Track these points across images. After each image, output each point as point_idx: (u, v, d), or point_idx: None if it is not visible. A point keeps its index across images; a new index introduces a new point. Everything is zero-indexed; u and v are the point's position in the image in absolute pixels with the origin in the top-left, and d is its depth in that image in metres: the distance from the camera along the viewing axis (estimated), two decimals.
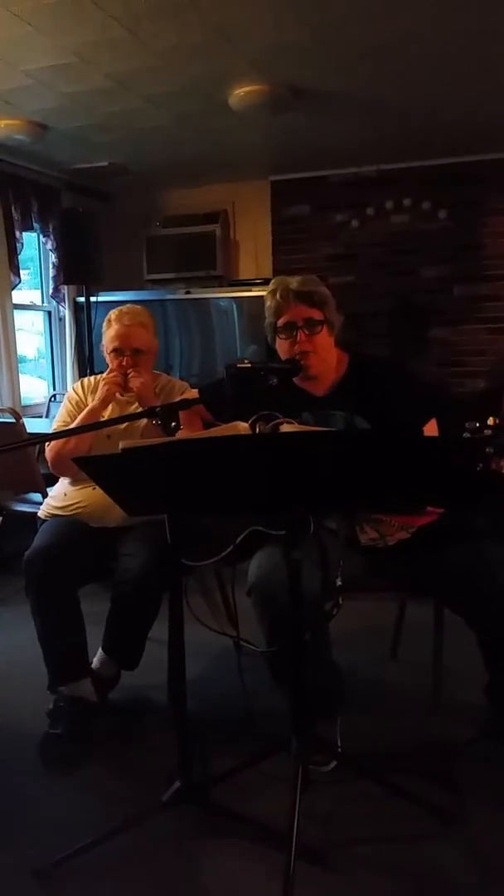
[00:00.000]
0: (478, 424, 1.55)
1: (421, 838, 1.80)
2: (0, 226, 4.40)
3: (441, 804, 1.88)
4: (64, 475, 2.54)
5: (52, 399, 4.92)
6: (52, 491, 2.62)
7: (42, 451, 2.92)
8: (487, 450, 1.52)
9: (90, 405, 2.48)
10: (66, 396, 2.68)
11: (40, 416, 4.80)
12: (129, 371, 2.48)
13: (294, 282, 2.16)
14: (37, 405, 5.03)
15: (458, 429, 1.59)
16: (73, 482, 2.50)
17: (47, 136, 4.03)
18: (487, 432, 1.54)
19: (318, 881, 1.67)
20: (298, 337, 2.14)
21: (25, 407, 4.75)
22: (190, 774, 1.83)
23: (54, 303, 5.12)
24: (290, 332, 2.15)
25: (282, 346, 2.19)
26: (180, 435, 1.86)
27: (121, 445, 1.61)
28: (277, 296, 2.16)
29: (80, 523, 2.40)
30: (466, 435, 1.55)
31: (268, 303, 2.20)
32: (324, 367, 2.20)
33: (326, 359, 2.20)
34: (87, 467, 1.76)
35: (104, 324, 2.59)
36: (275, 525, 1.93)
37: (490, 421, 1.54)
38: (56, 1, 2.59)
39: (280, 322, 2.17)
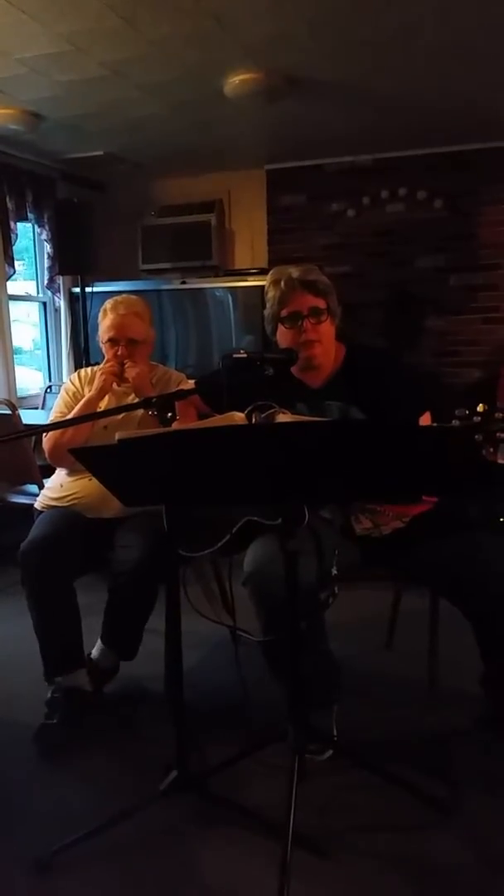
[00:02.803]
0: (467, 412, 1.54)
1: (416, 827, 1.81)
2: None
3: (437, 793, 1.89)
4: (61, 466, 2.54)
5: (48, 390, 4.90)
6: (49, 482, 2.62)
7: (38, 442, 2.92)
8: (476, 437, 1.51)
9: (87, 396, 2.48)
10: (62, 388, 2.68)
11: (36, 408, 4.78)
12: (125, 361, 2.48)
13: (296, 271, 2.15)
14: (33, 396, 5.01)
15: (448, 418, 1.58)
16: (70, 473, 2.50)
17: (41, 125, 4.01)
18: (476, 419, 1.53)
19: (315, 870, 1.68)
20: (304, 326, 2.13)
21: (21, 398, 4.73)
22: (187, 764, 1.84)
23: (49, 293, 5.09)
24: (295, 321, 2.13)
25: (286, 337, 2.17)
26: (176, 426, 1.85)
27: (117, 436, 1.61)
28: (282, 285, 2.14)
29: (76, 514, 2.40)
30: (455, 422, 1.54)
31: (270, 293, 2.18)
32: (327, 357, 2.19)
33: (329, 349, 2.20)
34: (84, 458, 1.76)
35: (100, 314, 2.58)
36: (271, 515, 1.93)
37: (479, 408, 1.53)
38: None
39: (284, 312, 2.15)
